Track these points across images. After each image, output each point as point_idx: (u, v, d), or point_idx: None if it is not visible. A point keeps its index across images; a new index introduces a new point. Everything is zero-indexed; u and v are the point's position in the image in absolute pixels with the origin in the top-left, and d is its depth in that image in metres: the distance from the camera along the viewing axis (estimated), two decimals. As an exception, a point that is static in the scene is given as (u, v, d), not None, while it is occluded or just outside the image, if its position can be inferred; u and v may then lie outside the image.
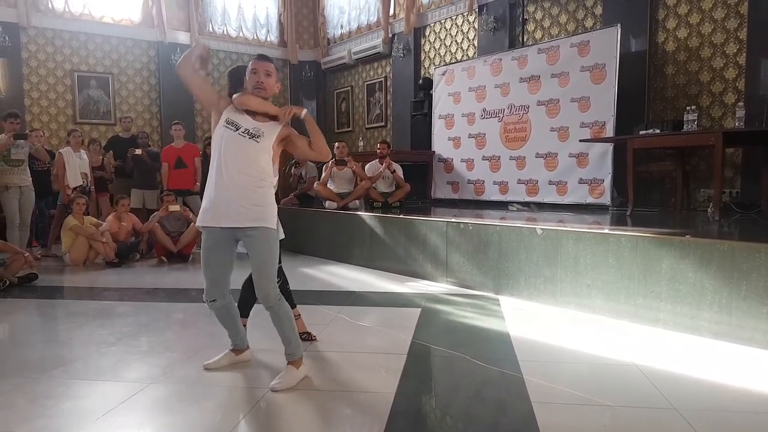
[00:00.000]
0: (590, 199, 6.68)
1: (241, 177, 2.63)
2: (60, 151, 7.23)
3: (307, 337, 3.35)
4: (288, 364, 2.74)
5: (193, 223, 6.91)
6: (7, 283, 5.10)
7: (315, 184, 7.44)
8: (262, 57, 2.79)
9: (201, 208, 2.74)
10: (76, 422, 2.27)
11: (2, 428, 2.23)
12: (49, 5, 9.49)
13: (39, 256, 6.90)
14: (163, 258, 6.77)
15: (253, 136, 2.68)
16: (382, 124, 10.75)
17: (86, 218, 6.73)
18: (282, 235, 2.91)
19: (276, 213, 2.76)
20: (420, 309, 4.16)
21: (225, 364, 2.93)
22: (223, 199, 2.64)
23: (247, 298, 3.25)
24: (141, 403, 2.50)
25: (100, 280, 5.71)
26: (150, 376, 2.82)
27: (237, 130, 2.67)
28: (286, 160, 7.89)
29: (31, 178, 6.64)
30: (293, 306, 3.32)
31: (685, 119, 5.38)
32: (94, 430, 2.21)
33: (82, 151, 7.38)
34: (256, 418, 2.39)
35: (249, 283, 3.13)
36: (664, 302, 3.53)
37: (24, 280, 5.30)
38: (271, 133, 2.74)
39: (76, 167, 7.13)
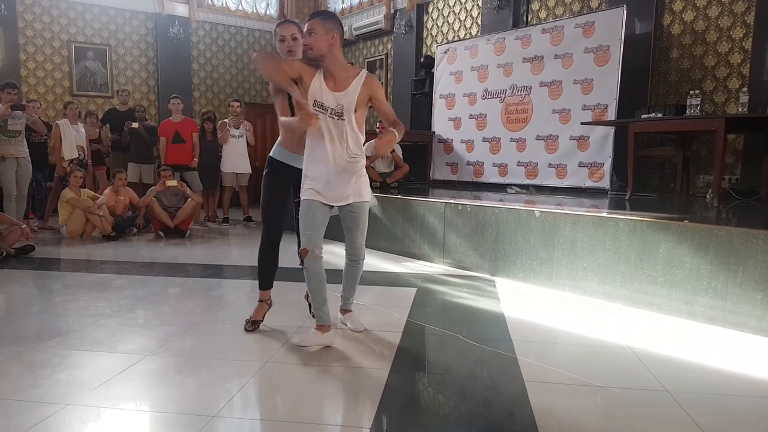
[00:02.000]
0: (589, 183, 6.67)
1: (341, 158, 2.76)
2: (57, 122, 7.18)
3: (248, 326, 3.13)
4: (346, 313, 3.24)
5: (190, 199, 6.91)
6: (4, 254, 5.10)
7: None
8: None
9: (308, 184, 2.81)
10: (72, 392, 2.28)
11: (-2, 397, 2.24)
12: (46, -27, 9.34)
13: (36, 228, 6.89)
14: (160, 233, 6.77)
15: (338, 116, 2.73)
16: (382, 102, 10.65)
17: (83, 191, 6.71)
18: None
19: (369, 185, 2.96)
20: (416, 289, 4.17)
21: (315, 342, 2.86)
22: (330, 180, 2.78)
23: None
24: (137, 374, 2.51)
25: (97, 254, 5.71)
26: (146, 348, 2.83)
27: (326, 111, 2.72)
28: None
29: (28, 150, 6.59)
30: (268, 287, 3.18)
31: (687, 104, 5.34)
32: (89, 400, 2.22)
33: (79, 124, 7.33)
34: (251, 391, 2.40)
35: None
36: (659, 286, 3.54)
37: (21, 251, 5.30)
38: (350, 104, 2.74)
39: (72, 140, 7.08)
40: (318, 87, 2.73)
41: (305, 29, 2.70)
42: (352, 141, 2.77)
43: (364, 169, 2.92)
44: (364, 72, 2.80)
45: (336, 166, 2.77)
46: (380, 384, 2.41)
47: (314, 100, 2.71)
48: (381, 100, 2.84)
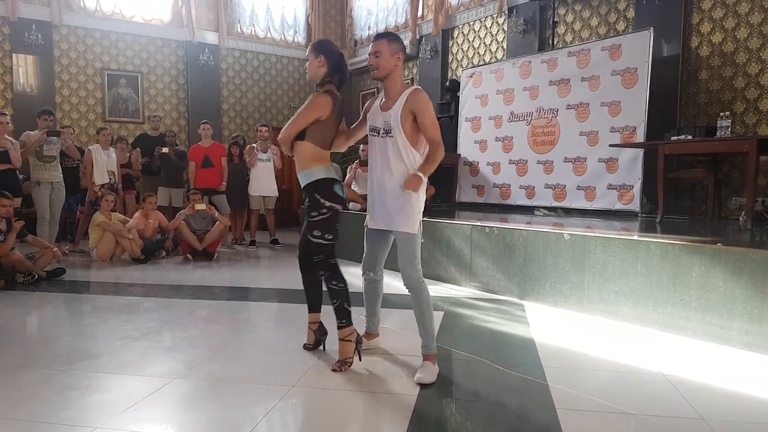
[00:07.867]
0: (619, 205, 6.57)
1: (380, 177, 2.81)
2: (89, 148, 7.36)
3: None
4: (424, 359, 2.80)
5: (218, 222, 6.99)
6: (36, 276, 5.20)
7: (339, 186, 7.43)
8: (378, 36, 2.81)
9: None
10: (100, 415, 2.30)
11: (28, 419, 2.26)
12: (81, 4, 9.66)
13: (67, 251, 7.03)
14: (189, 256, 6.84)
15: (387, 134, 2.77)
16: (408, 126, 10.69)
17: (113, 215, 6.83)
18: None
19: (418, 214, 2.85)
20: (443, 312, 4.13)
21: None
22: (373, 201, 2.87)
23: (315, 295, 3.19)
24: (164, 398, 2.52)
25: (126, 276, 5.79)
26: (173, 371, 2.84)
27: (377, 133, 2.80)
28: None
29: (62, 175, 6.76)
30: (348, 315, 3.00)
31: (718, 125, 5.26)
32: (118, 424, 2.23)
33: (111, 149, 7.50)
34: (277, 416, 2.38)
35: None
36: (693, 311, 3.45)
37: (52, 274, 5.40)
38: (396, 122, 2.74)
39: (103, 165, 7.24)
40: (374, 111, 2.84)
41: (371, 50, 2.77)
42: (395, 159, 2.75)
43: (411, 193, 2.74)
44: (411, 88, 2.78)
45: (375, 187, 2.82)
46: (408, 410, 2.38)
47: (369, 126, 2.85)
48: (422, 117, 2.70)
